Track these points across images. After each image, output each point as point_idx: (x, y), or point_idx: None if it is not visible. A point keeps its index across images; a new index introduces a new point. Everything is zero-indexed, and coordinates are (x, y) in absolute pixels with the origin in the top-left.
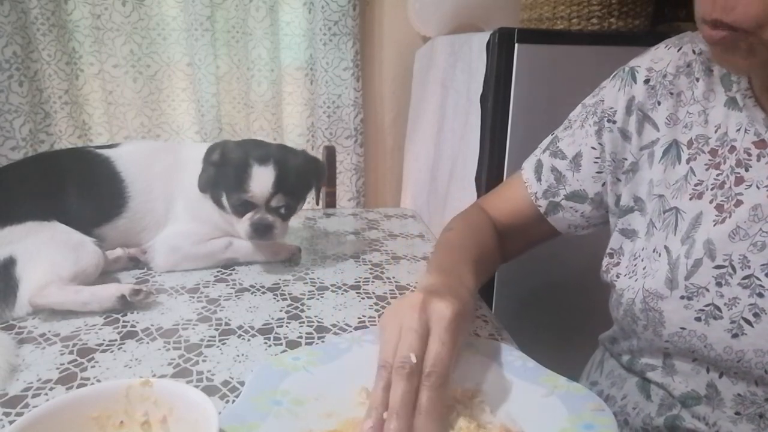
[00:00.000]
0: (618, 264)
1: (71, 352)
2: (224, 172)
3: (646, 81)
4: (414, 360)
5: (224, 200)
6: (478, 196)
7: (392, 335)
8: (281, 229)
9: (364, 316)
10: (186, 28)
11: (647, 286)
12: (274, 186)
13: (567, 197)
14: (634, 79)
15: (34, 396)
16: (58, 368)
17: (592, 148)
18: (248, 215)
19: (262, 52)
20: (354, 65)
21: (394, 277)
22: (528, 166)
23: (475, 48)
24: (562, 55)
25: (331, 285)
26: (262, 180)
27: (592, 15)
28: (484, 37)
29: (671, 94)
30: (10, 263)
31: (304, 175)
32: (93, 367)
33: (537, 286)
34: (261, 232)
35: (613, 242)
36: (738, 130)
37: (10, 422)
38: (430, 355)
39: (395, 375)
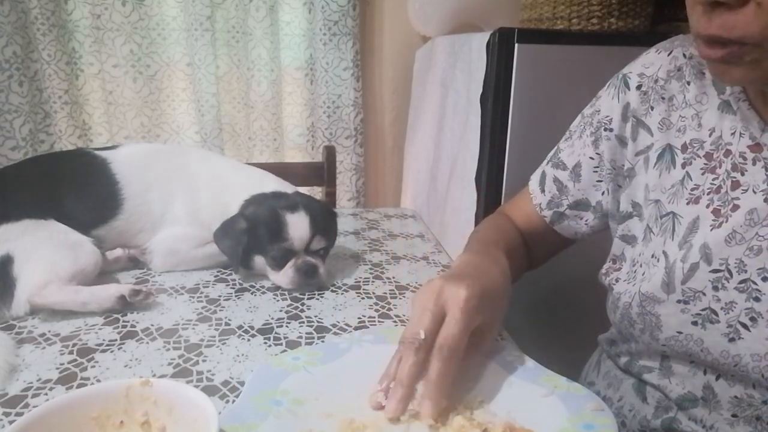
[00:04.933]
0: (619, 269)
1: (71, 352)
2: (256, 233)
3: (639, 87)
4: (422, 336)
5: (255, 261)
6: (478, 196)
7: (413, 317)
8: (325, 270)
9: (364, 316)
10: (186, 28)
11: (643, 289)
12: (311, 229)
13: (570, 206)
14: (627, 86)
15: (34, 396)
16: (58, 368)
17: (590, 158)
18: (290, 263)
19: (262, 52)
20: (354, 65)
21: (394, 277)
22: (534, 178)
23: (475, 48)
24: (562, 55)
25: (331, 285)
26: (298, 225)
27: (592, 15)
28: (484, 37)
29: (663, 98)
30: (7, 261)
31: (329, 217)
32: (93, 367)
33: (537, 286)
34: (309, 273)
35: (614, 248)
36: (733, 133)
37: (10, 422)
38: (443, 331)
39: (405, 349)
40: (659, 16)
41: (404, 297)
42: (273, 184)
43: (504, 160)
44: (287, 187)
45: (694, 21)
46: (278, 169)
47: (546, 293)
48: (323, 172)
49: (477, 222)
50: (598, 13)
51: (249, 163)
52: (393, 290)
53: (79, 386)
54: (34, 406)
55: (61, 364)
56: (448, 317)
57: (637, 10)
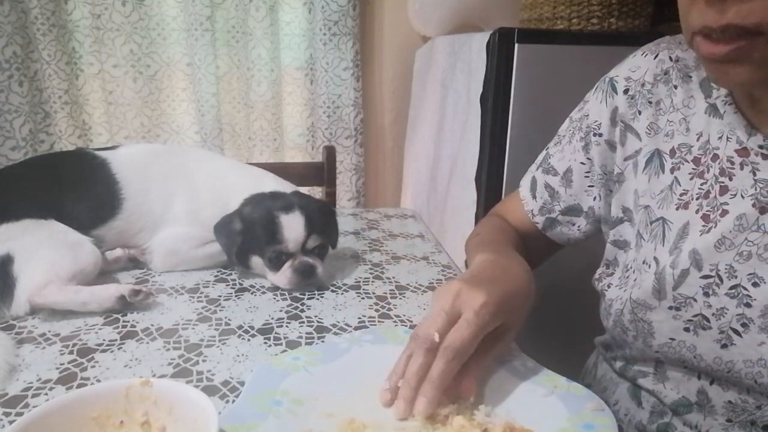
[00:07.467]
0: (612, 275)
1: (71, 352)
2: (252, 235)
3: (626, 91)
4: (437, 339)
5: (252, 262)
6: (478, 196)
7: (429, 316)
8: (323, 270)
9: (364, 316)
10: (186, 28)
11: (635, 296)
12: (306, 229)
13: (562, 212)
14: (614, 90)
15: (34, 396)
16: (58, 368)
17: (581, 163)
18: (287, 264)
19: (262, 52)
20: (354, 65)
21: (394, 277)
22: (524, 184)
23: (475, 48)
24: (562, 55)
25: (331, 285)
26: (293, 227)
27: (592, 15)
28: (484, 37)
29: (650, 103)
30: (7, 261)
31: (327, 216)
32: (93, 367)
33: (537, 286)
34: (307, 273)
35: (607, 253)
36: (720, 137)
37: (10, 422)
38: (452, 332)
39: (417, 348)
40: (659, 16)
41: (404, 297)
42: (272, 183)
43: (504, 160)
44: (287, 187)
45: (696, 17)
46: (278, 169)
47: (546, 293)
48: (323, 172)
49: (477, 222)
50: (598, 13)
51: (249, 163)
52: (393, 290)
53: (79, 386)
54: (34, 406)
55: (61, 364)
56: (461, 320)
57: (637, 10)
